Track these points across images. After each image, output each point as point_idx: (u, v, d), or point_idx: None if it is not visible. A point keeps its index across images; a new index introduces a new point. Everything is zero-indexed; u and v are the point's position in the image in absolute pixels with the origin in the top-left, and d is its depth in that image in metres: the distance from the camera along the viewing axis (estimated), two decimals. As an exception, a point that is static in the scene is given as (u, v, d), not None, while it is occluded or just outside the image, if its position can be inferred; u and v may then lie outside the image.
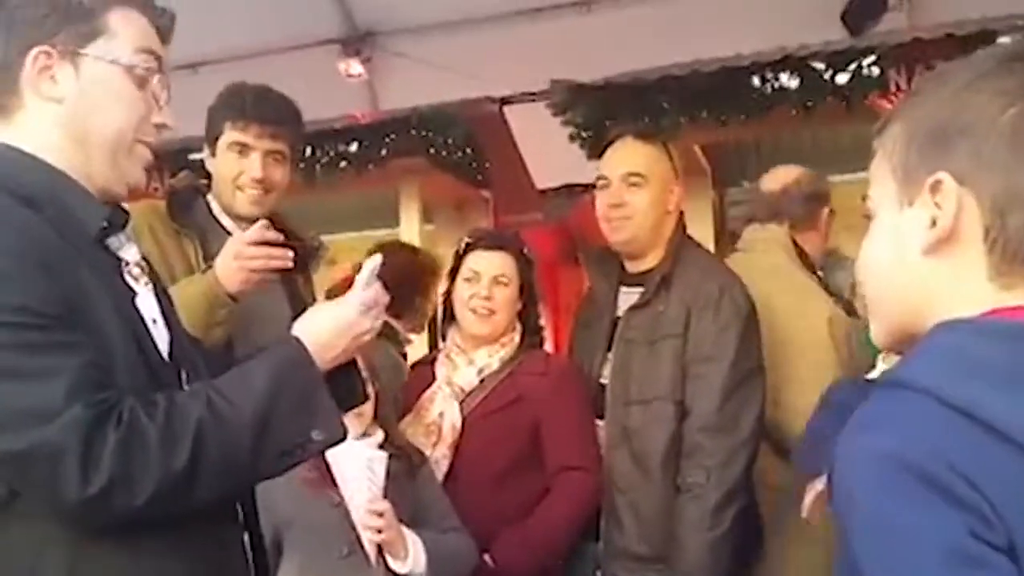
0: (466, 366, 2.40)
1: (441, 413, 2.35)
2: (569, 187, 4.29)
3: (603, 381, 2.44)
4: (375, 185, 4.04)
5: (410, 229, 3.97)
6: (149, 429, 1.18)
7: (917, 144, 0.89)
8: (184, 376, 1.37)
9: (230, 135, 2.22)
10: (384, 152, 3.82)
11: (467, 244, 2.48)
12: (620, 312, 2.48)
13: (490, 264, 2.41)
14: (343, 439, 1.34)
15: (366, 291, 1.45)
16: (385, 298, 1.48)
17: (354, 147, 3.88)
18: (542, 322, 2.55)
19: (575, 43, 4.40)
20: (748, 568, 2.43)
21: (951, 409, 0.78)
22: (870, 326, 0.98)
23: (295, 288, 2.34)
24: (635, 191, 2.43)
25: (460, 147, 3.93)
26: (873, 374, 2.27)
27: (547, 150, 4.07)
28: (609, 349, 2.45)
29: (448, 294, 2.49)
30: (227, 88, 2.29)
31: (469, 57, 4.55)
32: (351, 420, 2.06)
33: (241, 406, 1.24)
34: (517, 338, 2.44)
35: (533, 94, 3.99)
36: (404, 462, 2.18)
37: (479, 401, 2.35)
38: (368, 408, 2.14)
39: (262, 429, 1.25)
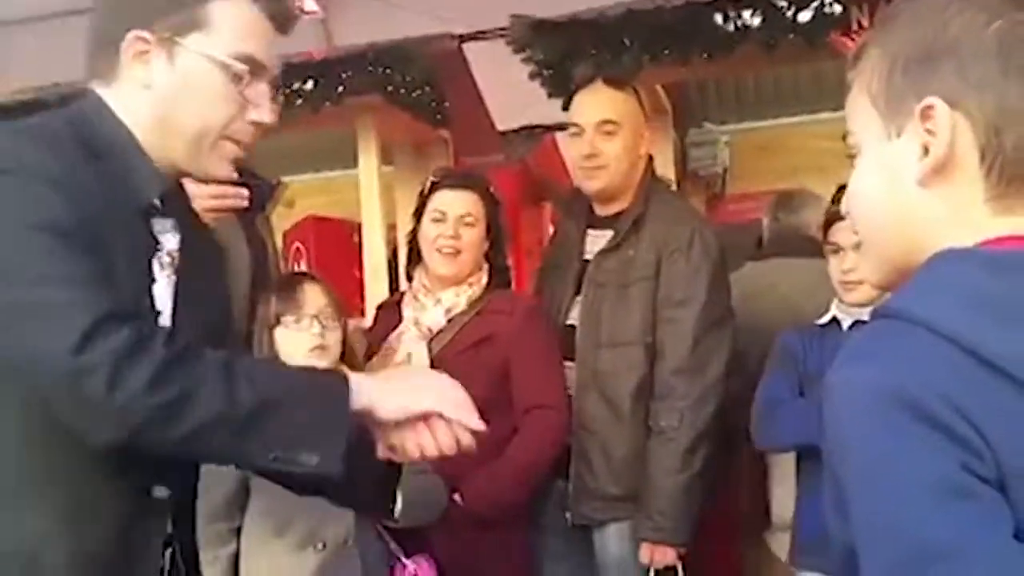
0: (433, 306, 2.38)
1: (409, 354, 2.34)
2: (530, 128, 4.24)
3: (571, 323, 2.44)
4: (331, 124, 3.95)
5: (368, 170, 3.89)
6: (158, 350, 1.15)
7: (900, 69, 0.86)
8: None
9: None
10: (340, 89, 3.73)
11: (432, 183, 2.44)
12: (588, 254, 2.48)
13: (456, 203, 2.38)
14: (336, 473, 1.25)
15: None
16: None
17: (309, 84, 3.78)
18: (509, 262, 2.53)
19: (535, -21, 4.31)
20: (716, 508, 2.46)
21: (946, 341, 0.76)
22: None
23: (252, 229, 2.30)
24: (609, 139, 2.42)
25: (418, 85, 3.85)
26: (823, 319, 2.30)
27: (507, 89, 4.00)
28: (578, 292, 2.45)
29: (413, 234, 2.45)
30: None
31: (426, -6, 4.45)
32: (314, 357, 2.07)
33: (255, 385, 1.20)
34: (484, 278, 2.42)
35: (493, 31, 3.91)
36: None
37: (447, 341, 2.34)
38: (334, 348, 2.12)
39: (261, 419, 1.20)
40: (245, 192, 1.99)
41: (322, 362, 2.06)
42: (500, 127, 4.26)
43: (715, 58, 3.45)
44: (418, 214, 2.43)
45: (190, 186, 1.93)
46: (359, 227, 4.02)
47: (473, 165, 3.87)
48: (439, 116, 4.06)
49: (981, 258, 0.81)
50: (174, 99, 1.30)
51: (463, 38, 4.10)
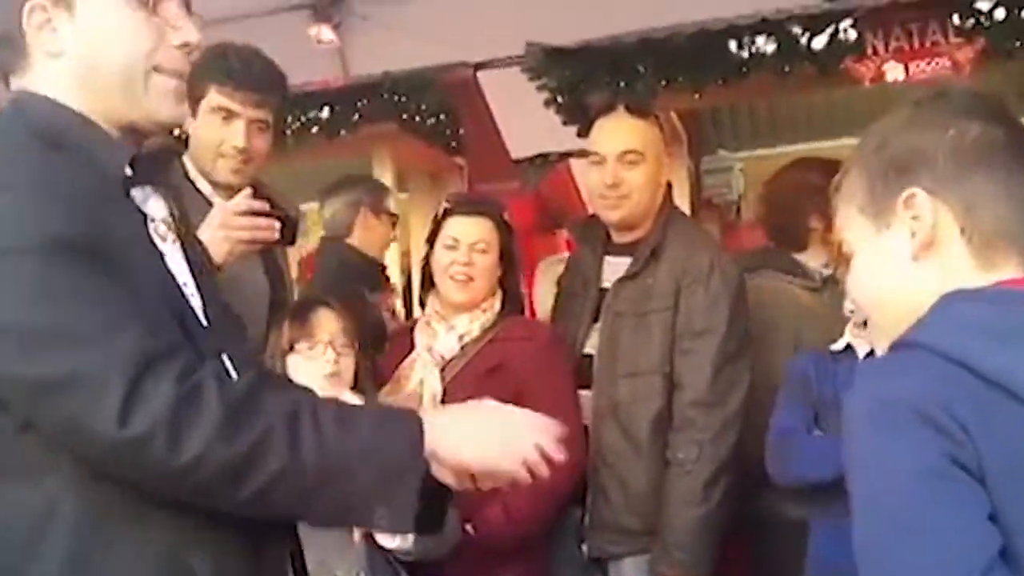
0: (446, 333, 2.36)
1: (421, 381, 2.31)
2: (544, 155, 4.26)
3: (587, 351, 2.42)
4: (347, 152, 3.98)
5: (384, 197, 3.90)
6: (213, 402, 1.08)
7: (880, 180, 1.04)
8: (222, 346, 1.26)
9: (215, 98, 2.14)
10: (356, 118, 3.76)
11: (445, 209, 2.43)
12: (605, 282, 2.45)
13: (469, 230, 2.37)
14: (407, 532, 1.23)
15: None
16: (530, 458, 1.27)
17: (325, 112, 3.81)
18: (522, 288, 2.52)
19: (549, 7, 4.33)
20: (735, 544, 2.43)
21: (945, 360, 0.90)
22: (876, 343, 1.14)
23: (270, 257, 2.29)
24: (632, 168, 2.40)
25: (433, 113, 3.89)
26: (838, 345, 2.28)
27: (521, 117, 4.02)
28: (595, 320, 2.43)
29: (426, 260, 2.44)
30: (212, 47, 2.20)
31: (442, 22, 4.48)
32: (327, 384, 2.04)
33: (324, 441, 1.13)
34: (497, 304, 2.40)
35: (507, 58, 3.93)
36: None
37: (460, 368, 2.32)
38: (347, 374, 2.10)
39: (329, 477, 1.14)
40: (277, 224, 1.98)
41: (336, 390, 2.04)
42: (515, 155, 4.28)
43: (729, 85, 3.47)
44: (431, 240, 2.43)
45: (223, 217, 1.92)
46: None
47: (488, 192, 3.88)
48: (454, 144, 4.08)
49: (983, 295, 0.96)
50: (89, 51, 1.21)
51: (478, 66, 4.12)
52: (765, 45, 3.45)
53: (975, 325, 0.92)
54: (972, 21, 3.21)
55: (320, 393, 1.95)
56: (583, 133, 2.55)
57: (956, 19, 3.23)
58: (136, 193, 1.24)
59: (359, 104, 3.81)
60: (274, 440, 1.10)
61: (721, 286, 2.33)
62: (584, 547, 2.38)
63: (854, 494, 0.90)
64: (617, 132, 2.43)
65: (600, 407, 2.36)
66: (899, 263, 1.02)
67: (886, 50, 3.35)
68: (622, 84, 3.44)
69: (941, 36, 3.28)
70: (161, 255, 1.23)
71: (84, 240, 1.09)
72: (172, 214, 1.28)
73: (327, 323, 2.12)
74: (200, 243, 1.43)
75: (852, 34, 3.37)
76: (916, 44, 3.31)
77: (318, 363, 2.07)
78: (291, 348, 2.09)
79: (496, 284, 2.41)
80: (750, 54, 3.44)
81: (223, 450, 1.07)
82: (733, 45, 3.45)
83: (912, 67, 3.32)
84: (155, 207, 1.26)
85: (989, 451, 0.86)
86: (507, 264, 2.42)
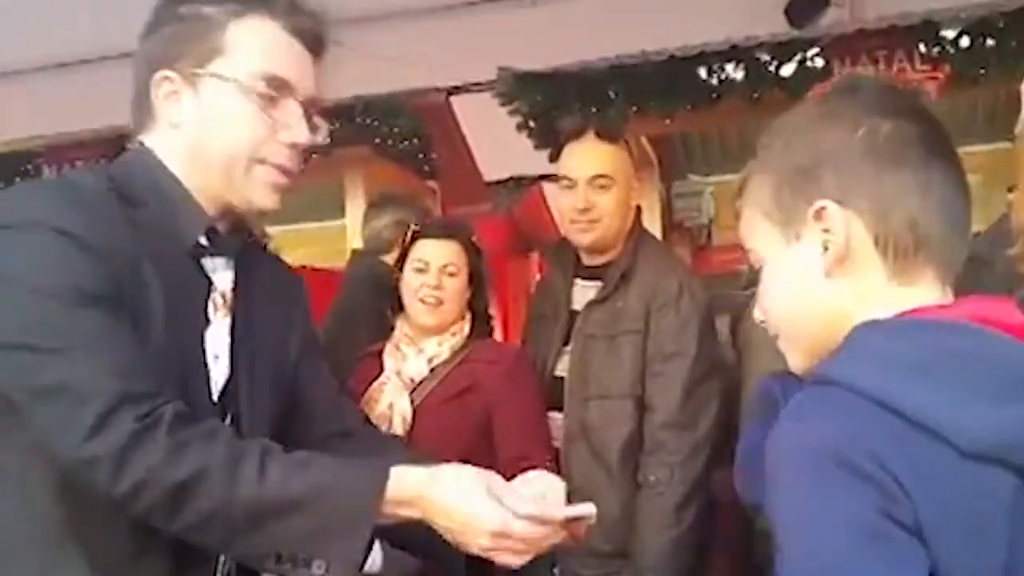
0: (416, 356, 2.35)
1: (391, 404, 2.31)
2: (516, 179, 4.27)
3: (559, 374, 2.43)
4: (320, 175, 3.96)
5: (355, 221, 3.90)
6: (163, 432, 1.13)
7: (787, 185, 0.97)
8: (230, 419, 1.30)
9: None
10: (329, 141, 3.75)
11: (414, 232, 2.43)
12: (576, 304, 2.47)
13: (439, 253, 2.37)
14: None
15: (540, 522, 1.23)
16: (540, 541, 1.24)
17: (297, 136, 3.80)
18: (492, 311, 2.52)
19: (522, 33, 4.38)
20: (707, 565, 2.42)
21: (870, 401, 0.83)
22: (789, 359, 1.04)
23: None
24: (603, 193, 2.41)
25: (406, 137, 3.89)
26: None
27: (494, 141, 4.03)
28: (566, 343, 2.43)
29: (395, 283, 2.44)
30: None
31: (414, 47, 4.50)
32: None
33: (264, 483, 1.15)
34: (467, 327, 2.40)
35: (479, 84, 3.95)
36: None
37: (430, 391, 2.31)
38: None
39: (263, 518, 1.15)
40: None
41: None
42: (487, 178, 4.29)
43: (699, 110, 3.50)
44: (400, 264, 2.43)
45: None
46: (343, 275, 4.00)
47: (461, 215, 3.88)
48: (427, 167, 4.09)
49: (895, 326, 0.90)
50: (201, 130, 1.27)
51: (450, 91, 4.14)
52: (734, 72, 3.49)
53: (892, 360, 0.86)
54: (937, 49, 3.26)
55: None
56: (554, 158, 2.56)
57: (922, 47, 3.28)
58: (207, 262, 1.30)
59: (332, 127, 3.80)
60: (213, 473, 1.13)
61: (691, 309, 2.35)
62: (556, 570, 2.37)
63: (783, 550, 0.83)
64: (587, 157, 2.45)
65: (571, 430, 2.36)
66: (811, 279, 0.95)
67: (852, 77, 3.41)
68: (593, 109, 3.46)
69: (907, 63, 3.33)
70: (206, 324, 1.28)
71: (107, 294, 1.15)
72: (235, 288, 1.33)
73: None
74: (273, 319, 1.42)
75: (819, 61, 3.42)
76: (883, 72, 3.35)
77: None
78: None
79: (465, 307, 2.41)
80: (719, 80, 3.48)
81: (164, 477, 1.12)
82: (703, 71, 3.49)
83: (879, 94, 3.37)
84: (221, 278, 1.32)
85: (924, 502, 0.80)
86: (476, 287, 2.42)
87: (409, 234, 2.44)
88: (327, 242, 4.60)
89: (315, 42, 1.32)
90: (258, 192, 1.30)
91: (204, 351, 1.27)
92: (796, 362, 1.01)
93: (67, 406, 1.12)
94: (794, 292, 0.98)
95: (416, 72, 4.15)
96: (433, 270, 2.36)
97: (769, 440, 0.88)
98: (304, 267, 4.38)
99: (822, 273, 0.94)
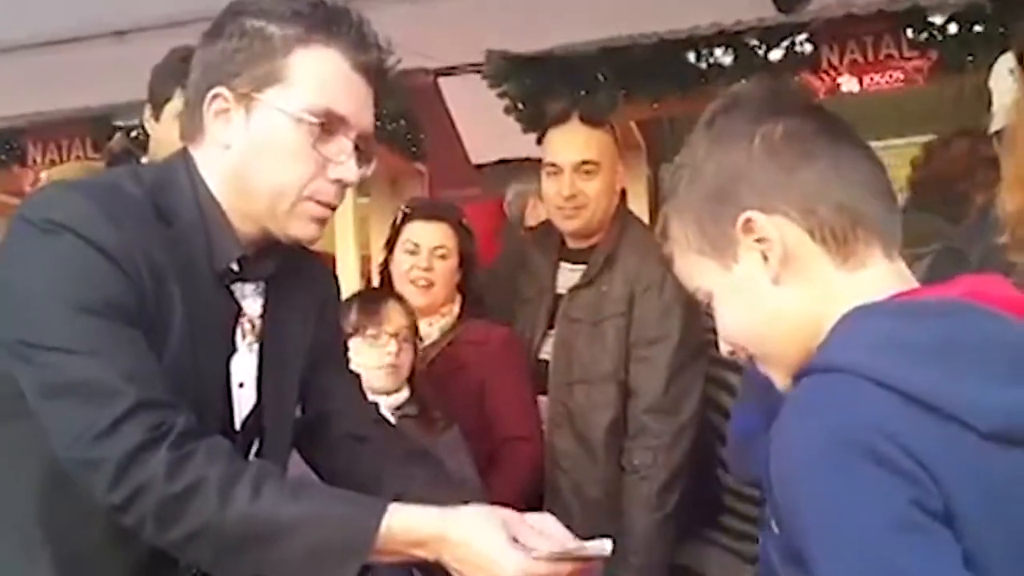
0: (406, 337, 2.36)
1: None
2: (505, 162, 4.26)
3: (543, 357, 2.44)
4: (308, 156, 3.96)
5: (344, 202, 3.89)
6: (165, 445, 1.12)
7: (706, 215, 0.95)
8: (255, 447, 1.30)
9: (179, 104, 2.13)
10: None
11: (405, 214, 2.43)
12: (560, 288, 2.47)
13: (429, 235, 2.38)
14: None
15: (560, 560, 1.22)
16: None
17: (285, 117, 3.78)
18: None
19: (511, 15, 4.35)
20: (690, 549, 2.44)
21: (874, 384, 0.81)
22: (774, 380, 1.01)
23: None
24: (589, 179, 2.42)
25: (394, 118, 3.86)
26: None
27: (482, 124, 4.02)
28: (550, 326, 2.44)
29: (385, 265, 2.45)
30: (179, 51, 2.19)
31: (403, 29, 4.46)
32: (384, 374, 2.12)
33: (258, 503, 1.13)
34: (456, 308, 2.41)
35: (468, 65, 3.94)
36: (423, 426, 2.16)
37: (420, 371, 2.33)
38: (404, 370, 2.16)
39: (253, 540, 1.13)
40: None
41: (390, 381, 2.14)
42: (475, 161, 4.28)
43: (688, 95, 3.49)
44: (390, 246, 2.43)
45: None
46: (333, 259, 4.00)
47: (449, 198, 3.88)
48: (415, 149, 4.06)
49: (887, 309, 0.88)
50: (250, 158, 1.22)
51: (439, 73, 4.12)
52: (723, 56, 3.49)
53: (897, 344, 0.84)
54: (926, 35, 3.26)
55: (377, 383, 1.98)
56: (540, 141, 2.56)
57: (910, 32, 3.28)
58: (237, 287, 1.28)
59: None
60: (207, 489, 1.12)
61: (675, 293, 2.34)
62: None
63: (814, 551, 0.81)
64: (572, 143, 2.45)
65: (555, 414, 2.37)
66: (763, 293, 0.93)
67: (841, 63, 3.41)
68: (582, 92, 3.45)
69: (895, 49, 3.34)
70: (233, 351, 1.27)
71: (129, 307, 1.14)
72: (263, 315, 1.31)
73: (396, 316, 2.19)
74: (302, 341, 1.40)
75: (807, 47, 3.42)
76: (871, 57, 3.36)
77: (379, 352, 2.14)
78: (355, 332, 2.14)
79: (456, 288, 2.42)
80: (708, 65, 3.48)
81: (160, 489, 1.11)
82: (692, 56, 3.48)
83: (866, 80, 3.37)
84: (251, 304, 1.30)
85: (951, 487, 0.79)
86: (467, 268, 2.43)
87: (400, 216, 2.44)
88: (314, 224, 4.58)
89: (378, 76, 1.28)
90: (299, 224, 1.25)
91: (229, 377, 1.26)
92: (780, 380, 0.99)
93: (83, 405, 1.11)
94: (752, 312, 0.96)
95: (405, 54, 4.13)
96: (424, 252, 2.36)
97: (777, 438, 0.85)
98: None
99: (771, 283, 0.93)
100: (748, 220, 0.92)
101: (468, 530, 1.17)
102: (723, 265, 0.95)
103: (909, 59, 3.30)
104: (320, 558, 1.13)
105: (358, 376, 1.54)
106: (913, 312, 0.87)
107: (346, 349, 1.59)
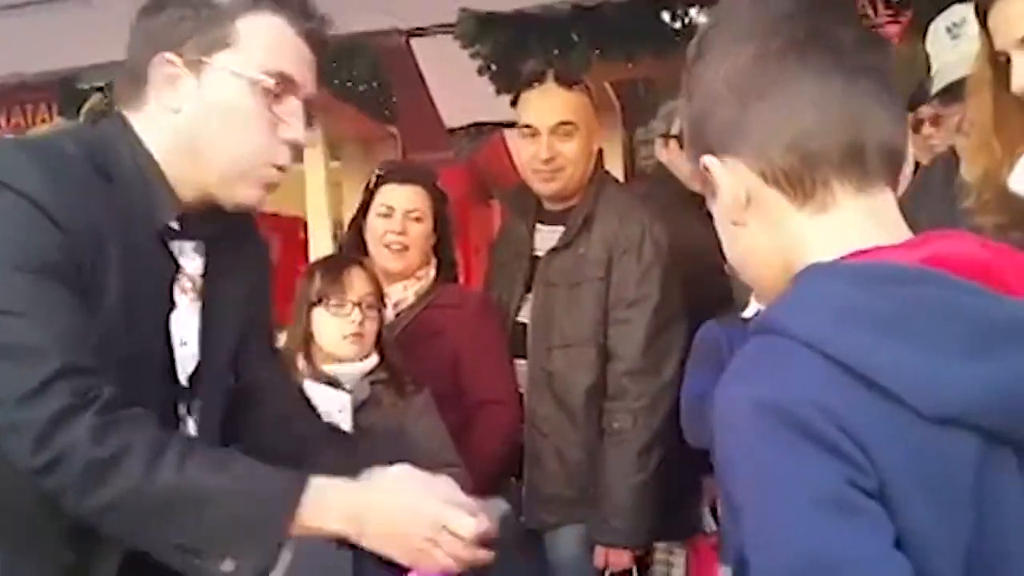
0: (380, 301, 2.34)
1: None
2: (478, 125, 4.22)
3: (521, 320, 2.42)
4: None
5: (315, 166, 3.84)
6: (91, 411, 1.11)
7: (688, 142, 0.94)
8: (197, 405, 1.30)
9: None
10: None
11: (379, 177, 2.40)
12: (538, 250, 2.45)
13: (403, 198, 2.35)
14: None
15: (473, 522, 1.24)
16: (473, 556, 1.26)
17: (256, 79, 3.72)
18: (456, 256, 2.51)
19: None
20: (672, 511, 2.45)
21: (820, 355, 0.77)
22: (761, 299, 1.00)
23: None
24: (566, 140, 2.39)
25: (366, 80, 3.82)
26: (748, 311, 2.27)
27: (455, 86, 3.98)
28: (528, 289, 2.42)
29: (358, 228, 2.42)
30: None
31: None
32: (349, 343, 2.10)
33: (183, 472, 1.13)
34: (432, 272, 2.39)
35: (440, 26, 3.88)
36: (395, 390, 2.15)
37: (395, 335, 2.30)
38: (370, 337, 2.13)
39: (177, 507, 1.13)
40: None
41: (355, 350, 2.11)
42: (448, 124, 4.24)
43: (663, 55, 3.46)
44: (363, 209, 2.40)
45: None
46: (305, 223, 3.96)
47: (422, 161, 3.84)
48: (387, 112, 4.02)
49: (845, 272, 0.83)
50: (203, 121, 1.24)
51: (410, 33, 4.06)
52: (697, 16, 3.46)
53: (845, 311, 0.79)
54: (899, -5, 3.26)
55: (341, 352, 2.02)
56: (514, 102, 2.53)
57: (884, -7, 3.28)
58: (175, 245, 1.28)
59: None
60: (133, 455, 1.12)
61: (653, 255, 2.34)
62: (521, 518, 2.38)
63: (746, 523, 0.78)
64: (549, 104, 2.41)
65: (535, 378, 2.36)
66: (728, 230, 0.92)
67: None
68: (556, 52, 3.42)
69: (871, 10, 3.33)
70: (171, 307, 1.27)
71: (63, 265, 1.14)
72: (205, 274, 1.31)
73: (359, 283, 2.14)
74: (247, 309, 1.41)
75: (784, 6, 3.40)
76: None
77: (343, 321, 2.11)
78: (319, 301, 2.11)
79: (430, 252, 2.40)
80: (683, 25, 3.45)
81: (83, 455, 1.10)
82: (666, 15, 3.45)
83: (841, 39, 3.37)
84: (190, 263, 1.30)
85: (887, 467, 0.75)
86: (441, 232, 2.41)
87: (373, 179, 2.41)
88: (285, 188, 4.47)
89: (319, 45, 1.32)
90: (247, 191, 1.28)
91: (169, 334, 1.26)
92: (765, 302, 0.96)
93: (12, 368, 1.11)
94: (732, 245, 0.94)
95: (375, 14, 4.07)
96: (398, 215, 2.33)
97: (717, 398, 0.82)
98: (263, 214, 4.34)
99: (735, 221, 0.90)
100: (704, 168, 0.90)
101: (390, 486, 1.24)
102: (712, 193, 0.93)
103: (884, 19, 3.29)
104: (241, 528, 1.15)
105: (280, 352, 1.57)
106: (868, 277, 0.81)
107: (273, 327, 1.60)
